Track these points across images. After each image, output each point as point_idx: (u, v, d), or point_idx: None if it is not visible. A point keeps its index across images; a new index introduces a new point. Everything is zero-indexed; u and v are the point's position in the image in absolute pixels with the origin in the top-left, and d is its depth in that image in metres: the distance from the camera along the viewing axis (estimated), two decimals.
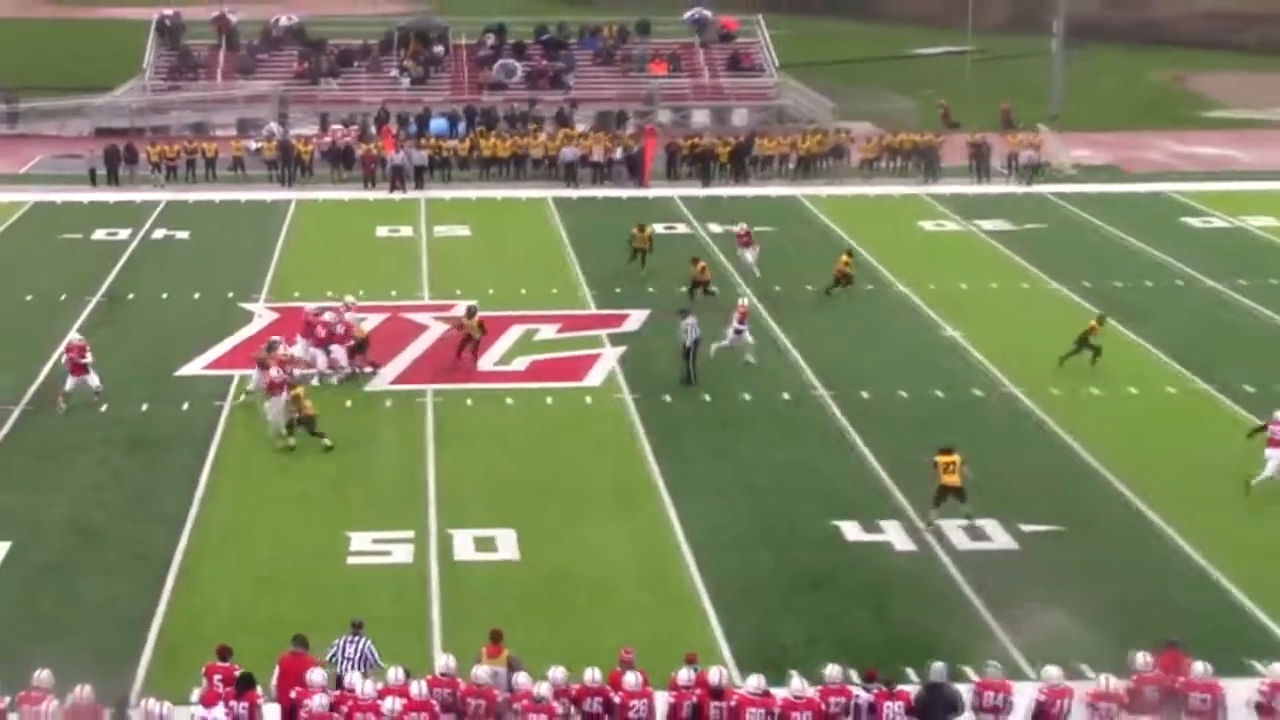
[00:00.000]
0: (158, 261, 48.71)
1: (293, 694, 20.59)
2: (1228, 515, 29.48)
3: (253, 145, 62.85)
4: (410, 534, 28.49)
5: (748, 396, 35.90)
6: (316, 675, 20.51)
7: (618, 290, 44.72)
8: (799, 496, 30.39)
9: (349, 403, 35.63)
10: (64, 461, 32.00)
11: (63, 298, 43.67)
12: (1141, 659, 21.36)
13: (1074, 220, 54.93)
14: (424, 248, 50.52)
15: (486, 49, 76.40)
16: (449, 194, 58.57)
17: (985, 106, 71.81)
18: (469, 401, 35.77)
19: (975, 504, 29.04)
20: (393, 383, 36.99)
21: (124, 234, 51.83)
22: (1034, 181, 60.13)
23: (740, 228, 47.36)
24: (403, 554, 27.79)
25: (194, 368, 37.84)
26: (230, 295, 44.13)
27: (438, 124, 67.52)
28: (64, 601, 25.93)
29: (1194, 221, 54.73)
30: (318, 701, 20.03)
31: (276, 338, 35.94)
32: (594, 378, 37.49)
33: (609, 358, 38.83)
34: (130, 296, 44.40)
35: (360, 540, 28.25)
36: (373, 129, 66.01)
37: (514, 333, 40.35)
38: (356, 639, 21.73)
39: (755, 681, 20.89)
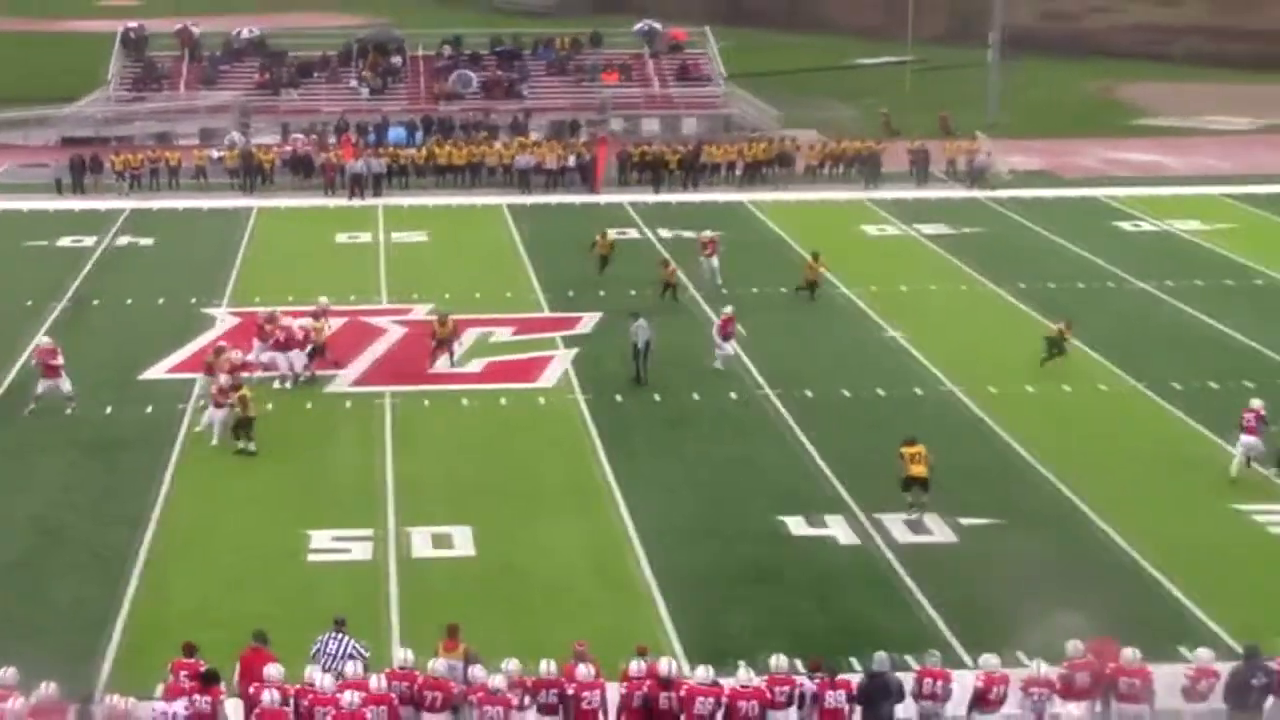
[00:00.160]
0: (122, 268, 48.41)
1: (251, 689, 20.50)
2: (1157, 507, 29.65)
3: (215, 154, 62.53)
4: (369, 532, 28.39)
5: (696, 396, 35.90)
6: (273, 671, 20.40)
7: (570, 294, 44.66)
8: (746, 493, 30.41)
9: (309, 404, 35.49)
10: (29, 463, 31.76)
11: (29, 303, 43.32)
12: (1074, 646, 21.47)
13: (1010, 224, 55.15)
14: (382, 253, 50.34)
15: (443, 60, 76.25)
16: (407, 201, 58.38)
17: (924, 115, 72.00)
18: (426, 403, 35.67)
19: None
20: (352, 385, 36.85)
21: (89, 241, 51.47)
22: (983, 185, 60.15)
23: (705, 236, 46.68)
24: (362, 551, 27.69)
25: (157, 371, 37.61)
26: (193, 300, 43.89)
27: (395, 133, 67.34)
28: (29, 600, 25.74)
29: (1124, 225, 55.00)
30: (267, 698, 19.96)
31: (224, 344, 35.82)
32: (547, 379, 37.43)
33: (562, 359, 38.77)
34: (95, 302, 44.10)
35: (320, 538, 28.13)
36: (332, 138, 65.75)
37: (470, 335, 40.20)
38: (339, 635, 21.69)
39: (704, 672, 20.92)
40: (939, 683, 21.02)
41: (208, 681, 20.38)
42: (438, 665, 20.99)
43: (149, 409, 34.80)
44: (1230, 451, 31.56)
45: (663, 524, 28.75)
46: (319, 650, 21.48)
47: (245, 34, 78.11)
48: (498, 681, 20.52)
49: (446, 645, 21.73)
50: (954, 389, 36.50)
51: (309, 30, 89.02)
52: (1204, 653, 21.75)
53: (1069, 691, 21.03)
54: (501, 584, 26.41)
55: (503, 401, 35.84)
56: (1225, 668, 21.32)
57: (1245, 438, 31.08)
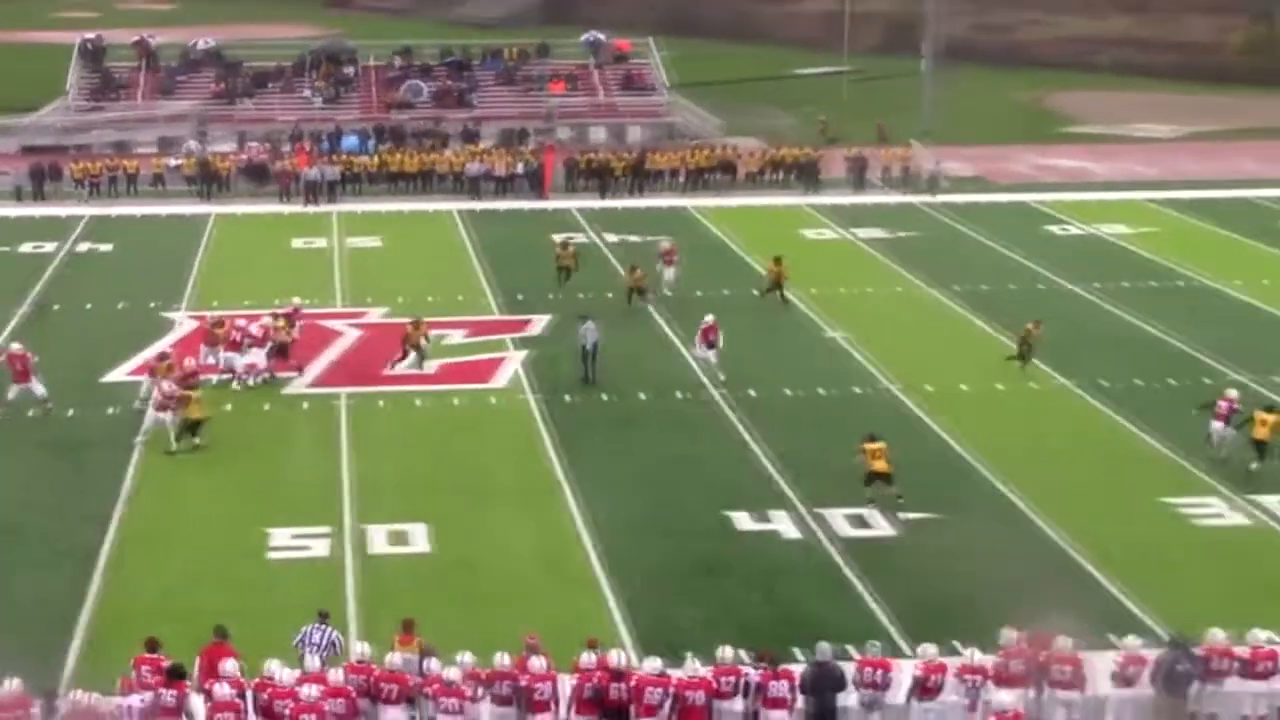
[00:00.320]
0: (82, 273, 48.08)
1: (206, 684, 20.42)
2: (1088, 501, 29.84)
3: (173, 162, 62.25)
4: (327, 529, 28.29)
5: (644, 396, 35.92)
6: (228, 665, 20.40)
7: (521, 297, 44.60)
8: (693, 489, 30.44)
9: (268, 405, 35.32)
10: None
11: None
12: (1008, 635, 21.60)
13: (944, 228, 55.41)
14: (337, 258, 50.15)
15: (394, 70, 76.04)
16: (360, 207, 58.18)
17: (862, 123, 72.24)
18: (381, 403, 35.56)
19: (856, 495, 29.26)
20: (309, 386, 36.71)
21: (49, 247, 51.06)
22: (934, 191, 60.28)
23: (664, 245, 45.88)
24: (320, 548, 27.58)
25: (119, 374, 37.33)
26: (152, 305, 43.61)
27: (349, 141, 67.12)
28: None
29: (1053, 229, 55.36)
30: (219, 691, 19.90)
31: (168, 350, 35.60)
32: (499, 379, 37.38)
33: (513, 360, 38.73)
34: (56, 307, 43.78)
35: (280, 536, 28.01)
36: (287, 146, 65.45)
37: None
38: (323, 627, 21.73)
39: (653, 663, 20.96)
40: (880, 671, 21.11)
41: (173, 676, 20.32)
42: (394, 659, 20.98)
43: (111, 410, 34.55)
44: (1155, 444, 31.89)
45: (613, 520, 28.75)
46: (303, 639, 21.52)
47: (202, 45, 77.82)
48: (453, 674, 20.52)
49: (403, 639, 21.73)
50: (892, 387, 36.65)
51: (264, 42, 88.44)
52: (1132, 640, 21.95)
53: (1004, 679, 21.15)
54: (456, 579, 26.36)
55: (456, 402, 35.76)
56: (1153, 655, 21.50)
57: (1214, 424, 31.74)
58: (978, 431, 33.40)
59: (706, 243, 52.44)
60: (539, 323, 42.02)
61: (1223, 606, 24.31)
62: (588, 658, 20.95)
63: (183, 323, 41.62)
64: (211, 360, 36.36)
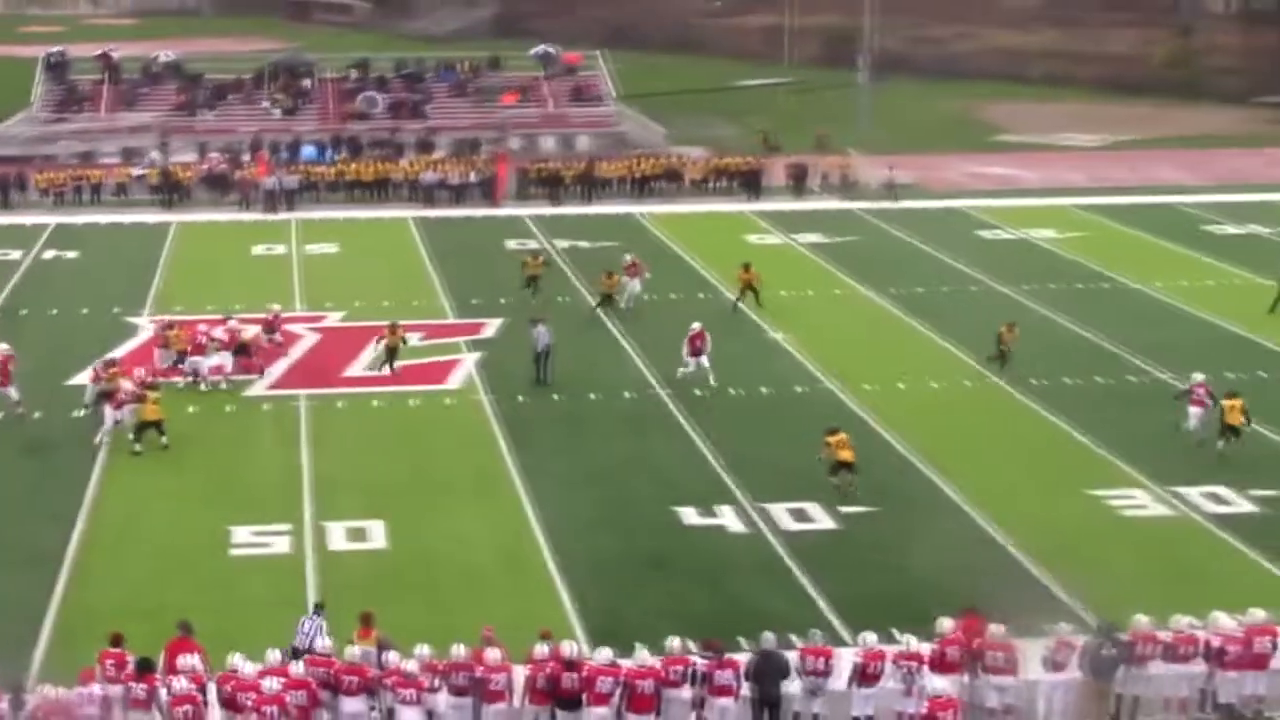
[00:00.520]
0: (48, 280, 47.65)
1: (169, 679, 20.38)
2: (1020, 494, 30.05)
3: (136, 172, 61.85)
4: (288, 526, 28.18)
5: (594, 396, 35.92)
6: (185, 660, 20.36)
7: (474, 301, 44.52)
8: (641, 485, 30.47)
9: (230, 407, 35.14)
10: None
11: None
12: (944, 623, 21.72)
13: (881, 233, 55.61)
14: (296, 264, 49.92)
15: (351, 82, 75.75)
16: (319, 215, 57.90)
17: (802, 132, 72.40)
18: (340, 404, 35.44)
19: (798, 490, 29.38)
20: (270, 388, 36.54)
21: (15, 254, 50.61)
22: (892, 198, 60.38)
23: (628, 259, 44.98)
24: (281, 545, 27.49)
25: (84, 377, 36.77)
26: (116, 310, 43.29)
27: (307, 151, 66.85)
28: None
29: (985, 234, 55.64)
30: (176, 685, 19.90)
31: (114, 356, 35.41)
32: (454, 381, 37.31)
33: (468, 363, 38.66)
34: (23, 312, 43.42)
35: (241, 533, 27.89)
36: (247, 156, 65.10)
37: (380, 341, 39.96)
38: (317, 617, 21.91)
39: (604, 653, 20.97)
40: (822, 659, 21.18)
41: (141, 669, 20.26)
42: (354, 651, 20.90)
43: (77, 413, 34.25)
44: (1082, 439, 32.15)
45: (564, 516, 28.74)
46: (300, 630, 21.67)
47: (163, 59, 77.48)
48: (411, 666, 20.49)
49: (362, 632, 21.65)
50: (832, 387, 36.76)
51: (224, 55, 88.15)
52: (1063, 626, 22.10)
53: (941, 666, 21.27)
54: (413, 574, 26.30)
55: (412, 403, 35.67)
56: (1081, 640, 21.66)
57: (1193, 408, 32.22)
58: (914, 428, 33.55)
59: (654, 248, 52.40)
60: (492, 326, 41.95)
61: (1146, 593, 24.49)
62: (541, 649, 20.94)
63: (146, 328, 41.29)
64: (165, 364, 36.08)
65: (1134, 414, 34.58)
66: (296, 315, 42.85)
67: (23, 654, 22.91)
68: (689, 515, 28.90)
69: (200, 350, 36.34)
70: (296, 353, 39.07)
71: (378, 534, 27.97)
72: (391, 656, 20.75)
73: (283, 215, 57.56)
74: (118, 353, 38.25)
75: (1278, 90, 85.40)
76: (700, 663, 20.92)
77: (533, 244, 51.68)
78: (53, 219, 56.64)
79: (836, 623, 24.22)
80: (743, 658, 21.28)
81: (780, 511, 28.87)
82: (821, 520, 28.66)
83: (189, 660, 20.33)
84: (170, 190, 59.68)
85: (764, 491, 29.70)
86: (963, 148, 75.52)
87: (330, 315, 42.85)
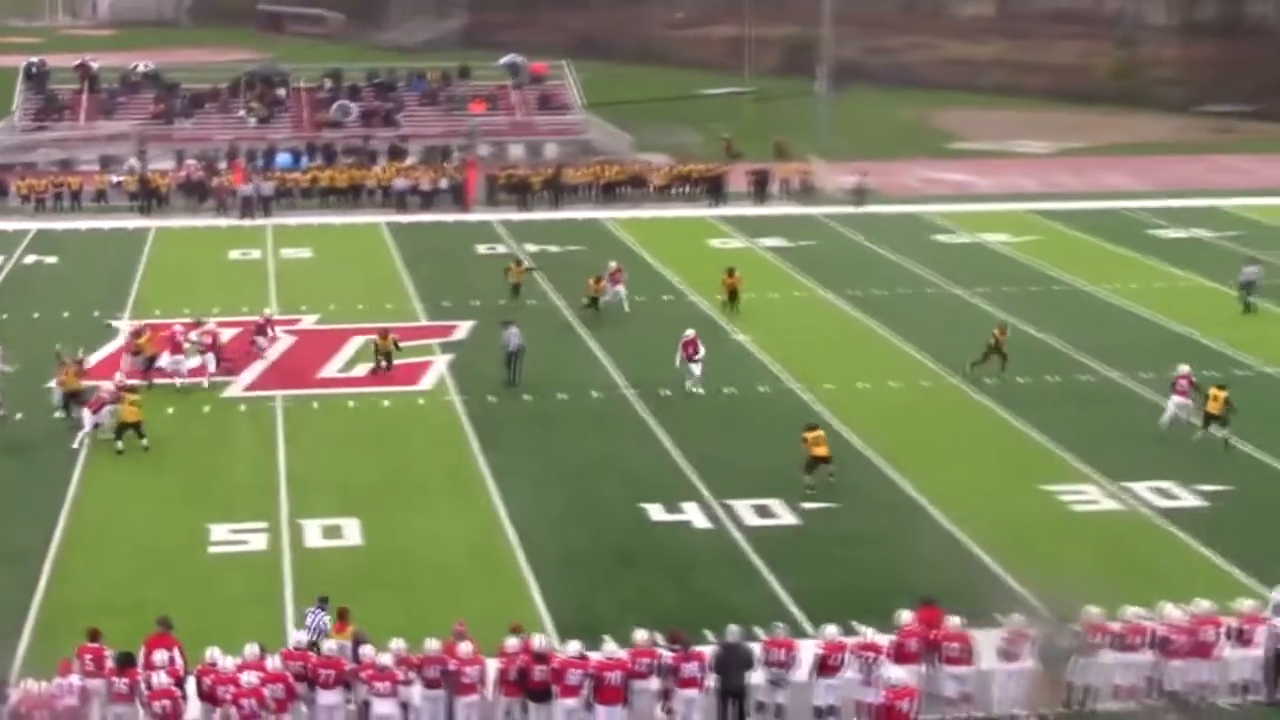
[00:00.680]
0: (29, 284, 47.34)
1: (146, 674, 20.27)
2: (975, 490, 30.08)
3: (115, 179, 61.50)
4: (265, 524, 28.02)
5: (562, 396, 35.84)
6: (158, 656, 20.24)
7: (445, 304, 44.39)
8: (609, 482, 30.41)
9: (207, 408, 34.95)
10: None
11: None
12: (902, 615, 21.74)
13: (840, 237, 55.71)
14: (271, 269, 49.70)
15: (324, 91, 75.52)
16: (294, 221, 57.65)
17: (763, 139, 72.49)
18: (315, 405, 35.27)
19: (761, 487, 29.37)
20: (246, 389, 36.35)
21: None
22: (864, 203, 60.32)
23: (612, 266, 44.72)
24: (258, 542, 27.33)
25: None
26: (96, 314, 43.01)
27: (282, 158, 66.61)
28: None
29: (941, 238, 55.79)
30: (154, 680, 19.81)
31: (81, 356, 35.16)
32: (426, 382, 37.17)
33: (439, 364, 38.53)
34: (4, 316, 43.08)
35: (219, 531, 27.72)
36: (224, 164, 64.81)
37: (354, 343, 39.86)
38: (321, 611, 21.89)
39: (573, 646, 20.92)
40: (786, 651, 21.19)
41: (123, 663, 20.19)
42: (330, 645, 20.82)
43: (58, 414, 33.97)
44: (1036, 436, 32.27)
45: (534, 513, 28.66)
46: (307, 623, 21.76)
47: (141, 68, 77.15)
48: (386, 659, 20.41)
49: (337, 627, 21.60)
50: (794, 387, 36.78)
51: (200, 65, 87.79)
52: (1017, 618, 22.15)
53: (899, 656, 21.29)
54: (387, 570, 26.18)
55: (385, 403, 35.52)
56: (1034, 631, 21.69)
57: (1176, 398, 32.55)
58: (873, 426, 33.57)
59: (620, 252, 52.31)
60: (463, 328, 41.84)
61: (1098, 585, 24.53)
62: (512, 642, 20.89)
63: (125, 330, 40.97)
64: (119, 376, 35.71)
65: (1085, 412, 34.73)
66: (272, 319, 42.54)
67: (6, 650, 22.69)
68: (655, 512, 28.84)
69: (179, 350, 36.17)
70: (273, 354, 38.84)
71: (352, 531, 27.83)
72: (367, 650, 20.66)
73: (258, 221, 57.30)
74: (97, 356, 38.03)
75: (1217, 100, 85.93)
76: (667, 655, 20.89)
77: (512, 250, 51.45)
78: (33, 225, 56.25)
79: (799, 615, 24.21)
80: (708, 650, 21.27)
81: (744, 508, 28.85)
82: (784, 516, 28.65)
83: (163, 655, 20.20)
84: (148, 197, 59.36)
85: (728, 488, 29.68)
86: (918, 154, 75.78)
87: (305, 318, 42.65)
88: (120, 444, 31.62)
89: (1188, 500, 29.52)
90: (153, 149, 69.41)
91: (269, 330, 38.77)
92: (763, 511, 28.77)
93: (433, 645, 20.68)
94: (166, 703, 19.53)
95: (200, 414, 34.48)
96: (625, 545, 27.35)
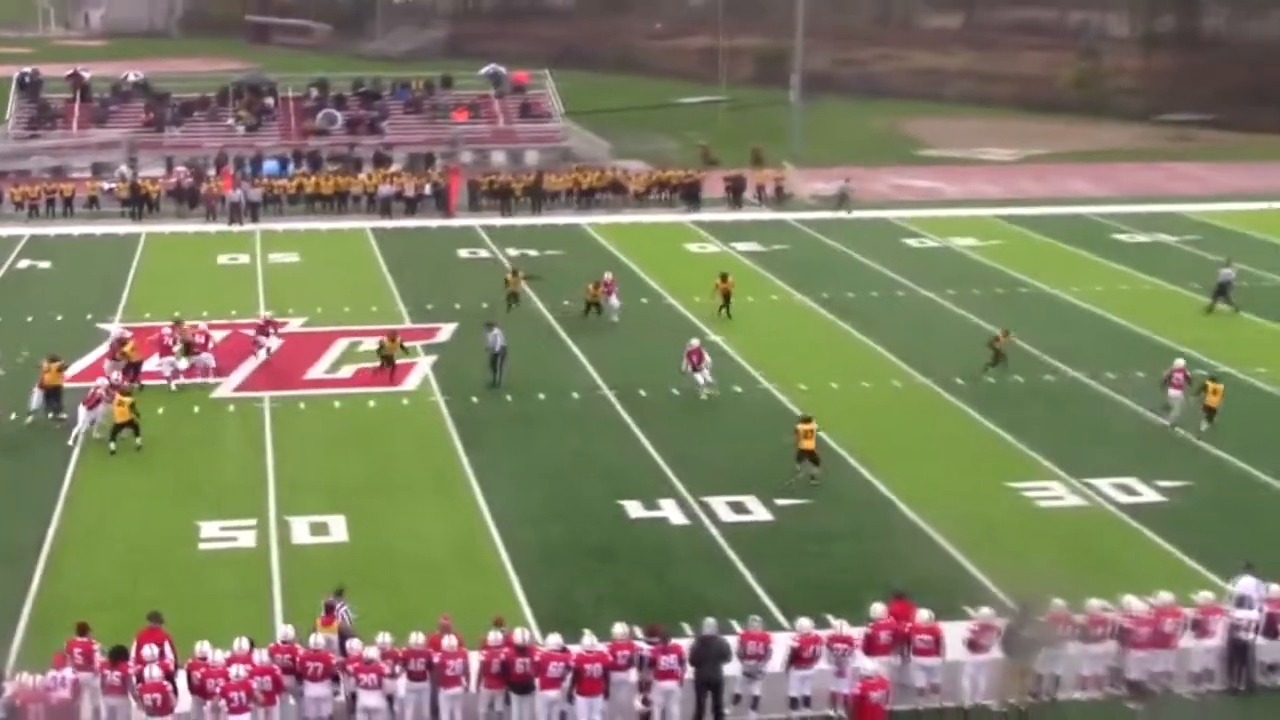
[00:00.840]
0: (23, 288, 47.12)
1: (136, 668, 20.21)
2: (944, 487, 30.13)
3: (106, 186, 61.24)
4: (253, 522, 27.95)
5: (543, 396, 35.79)
6: (146, 651, 20.20)
7: (429, 307, 44.30)
8: (588, 480, 30.39)
9: (197, 408, 34.83)
10: None
11: None
12: (875, 608, 21.77)
13: (813, 242, 55.73)
14: (259, 273, 49.53)
15: (311, 100, 75.32)
16: (281, 226, 57.47)
17: (738, 147, 72.44)
18: (302, 405, 35.18)
19: (736, 484, 29.36)
20: (235, 390, 36.23)
21: None
22: (847, 208, 60.32)
23: (606, 277, 44.01)
24: (247, 539, 27.25)
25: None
26: (89, 317, 42.83)
27: (270, 165, 66.43)
28: None
29: (911, 242, 55.84)
30: (147, 674, 19.80)
31: (59, 357, 35.06)
32: (411, 383, 37.08)
33: (424, 365, 38.45)
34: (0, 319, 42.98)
35: (209, 528, 27.65)
36: (212, 170, 64.61)
37: (340, 345, 39.80)
38: (342, 601, 21.94)
39: (554, 639, 20.90)
40: (761, 644, 21.21)
41: (115, 657, 20.15)
42: (318, 639, 20.77)
43: (51, 415, 33.82)
44: (1003, 434, 32.38)
45: (516, 510, 28.63)
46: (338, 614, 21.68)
47: (132, 78, 76.85)
48: (371, 652, 20.37)
49: (324, 621, 21.54)
50: (769, 387, 36.79)
51: (190, 75, 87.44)
52: (985, 611, 22.19)
53: (871, 648, 21.32)
54: (373, 566, 26.12)
55: (371, 404, 35.44)
56: (1002, 623, 21.74)
57: (1174, 392, 32.84)
58: (846, 425, 33.56)
59: (599, 256, 52.32)
60: (446, 330, 41.76)
61: (1062, 579, 24.59)
62: (495, 635, 20.88)
63: (113, 335, 40.79)
64: (115, 375, 35.59)
65: (1051, 411, 34.82)
66: (260, 321, 42.37)
67: (1, 644, 22.58)
68: (634, 508, 28.83)
69: (169, 353, 36.07)
70: (260, 357, 38.66)
71: (339, 528, 27.76)
72: (353, 644, 20.62)
73: (246, 227, 57.14)
74: (85, 360, 37.86)
75: (1176, 109, 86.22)
76: (645, 648, 20.90)
77: (495, 255, 51.35)
78: (27, 230, 56.00)
79: (773, 609, 24.22)
80: (685, 643, 21.26)
81: (720, 504, 28.86)
82: (759, 512, 28.66)
83: (152, 650, 20.13)
84: (139, 203, 59.14)
85: (704, 486, 29.68)
86: (887, 161, 75.79)
87: (292, 321, 42.50)
88: (113, 444, 31.50)
89: (1149, 496, 29.61)
90: (143, 156, 69.26)
91: (270, 330, 38.71)
92: (738, 508, 28.77)
93: (417, 639, 20.65)
94: (157, 696, 19.48)
95: (190, 414, 34.36)
96: (605, 541, 27.33)
